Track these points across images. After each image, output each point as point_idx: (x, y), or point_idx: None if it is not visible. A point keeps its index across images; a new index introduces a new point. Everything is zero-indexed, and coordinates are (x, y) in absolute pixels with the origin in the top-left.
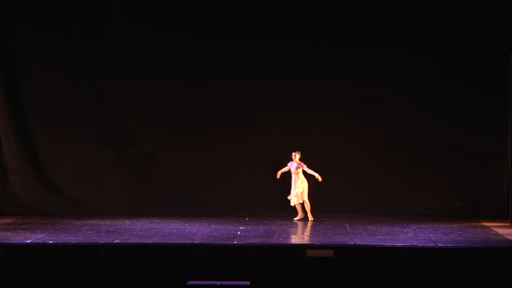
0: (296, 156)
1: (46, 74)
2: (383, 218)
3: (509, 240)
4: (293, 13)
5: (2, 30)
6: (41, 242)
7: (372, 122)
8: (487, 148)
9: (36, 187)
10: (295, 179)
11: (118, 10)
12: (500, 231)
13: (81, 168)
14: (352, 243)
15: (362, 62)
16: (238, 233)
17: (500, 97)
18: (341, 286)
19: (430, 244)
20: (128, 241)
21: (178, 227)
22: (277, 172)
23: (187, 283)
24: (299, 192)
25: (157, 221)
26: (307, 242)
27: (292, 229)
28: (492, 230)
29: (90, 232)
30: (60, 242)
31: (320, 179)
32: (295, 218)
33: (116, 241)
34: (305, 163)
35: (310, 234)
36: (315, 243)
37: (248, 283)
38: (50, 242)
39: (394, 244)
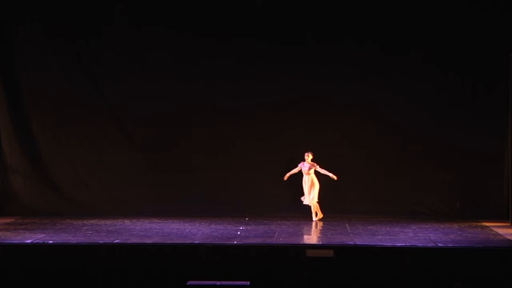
0: (309, 156)
1: (46, 74)
2: (383, 218)
3: (509, 240)
4: (293, 13)
5: (2, 29)
6: (41, 242)
7: (372, 122)
8: (487, 149)
9: (36, 187)
10: (307, 180)
11: (118, 10)
12: (500, 231)
13: (81, 168)
14: (352, 243)
15: (361, 62)
16: (238, 233)
17: (500, 97)
18: (341, 286)
19: (430, 244)
20: (128, 241)
21: (178, 227)
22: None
23: (187, 283)
24: (315, 195)
25: (157, 221)
26: (307, 242)
27: (292, 229)
28: (492, 230)
29: (90, 232)
30: (60, 242)
31: (335, 178)
32: (315, 218)
33: (116, 241)
34: (317, 163)
35: (310, 234)
36: (315, 243)
37: (248, 283)
38: (50, 242)
39: (394, 244)
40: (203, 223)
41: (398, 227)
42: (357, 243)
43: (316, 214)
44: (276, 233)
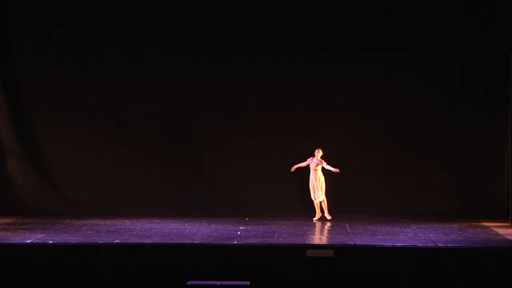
0: (320, 152)
1: (46, 74)
2: (383, 218)
3: (509, 240)
4: (292, 13)
5: (2, 29)
6: (41, 242)
7: (372, 122)
8: (487, 148)
9: (36, 187)
10: (315, 176)
11: (118, 10)
12: (500, 231)
13: (82, 168)
14: (352, 243)
15: (361, 63)
16: (238, 233)
17: (500, 97)
18: (341, 286)
19: (430, 244)
20: (128, 241)
21: (178, 227)
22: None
23: (187, 283)
24: (322, 192)
25: (157, 221)
26: (307, 242)
27: (292, 229)
28: (492, 230)
29: (90, 232)
30: (60, 242)
31: (338, 170)
32: (315, 219)
33: (116, 241)
34: (324, 160)
35: (310, 234)
36: (315, 243)
37: (248, 283)
38: (50, 242)
39: (394, 244)
40: (203, 223)
41: (398, 227)
42: (357, 243)
43: (322, 211)
44: (276, 233)
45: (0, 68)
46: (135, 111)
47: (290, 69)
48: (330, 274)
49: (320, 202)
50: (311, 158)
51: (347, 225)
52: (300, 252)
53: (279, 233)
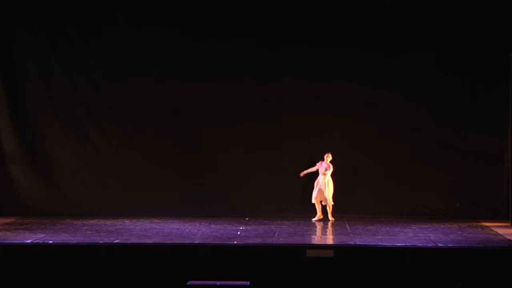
0: (329, 157)
1: (46, 74)
2: (383, 218)
3: (509, 240)
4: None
5: (2, 29)
6: (41, 242)
7: (372, 122)
8: (487, 148)
9: (36, 187)
10: (323, 180)
11: (118, 10)
12: (500, 231)
13: (82, 168)
14: (352, 243)
15: (361, 63)
16: (238, 233)
17: (500, 97)
18: (341, 286)
19: (430, 244)
20: (128, 241)
21: (178, 227)
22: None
23: (187, 283)
24: (331, 193)
25: (157, 221)
26: (307, 242)
27: (292, 229)
28: (492, 230)
29: (90, 232)
30: (60, 242)
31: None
32: (314, 219)
33: (116, 241)
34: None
35: (310, 234)
36: (315, 243)
37: (248, 283)
38: (50, 242)
39: (394, 244)
40: (203, 223)
41: (398, 227)
42: (357, 243)
43: (323, 213)
44: (276, 233)
45: (1, 68)
46: (135, 111)
47: (290, 69)
48: (330, 274)
49: (325, 205)
50: (320, 162)
51: (347, 225)
52: (300, 252)
53: (279, 233)
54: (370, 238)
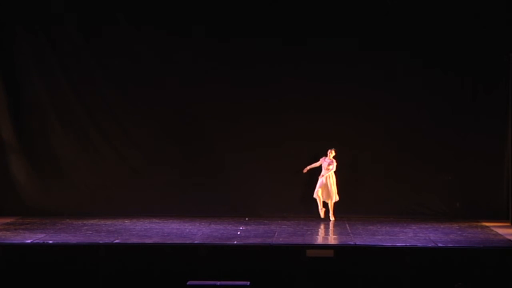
0: (332, 153)
1: (46, 74)
2: (383, 218)
3: (509, 240)
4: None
5: (2, 29)
6: (41, 242)
7: (372, 123)
8: (487, 148)
9: (36, 187)
10: (327, 176)
11: (118, 10)
12: (500, 231)
13: (82, 168)
14: (352, 243)
15: (361, 63)
16: (238, 233)
17: (500, 97)
18: (341, 286)
19: (430, 244)
20: (128, 241)
21: (178, 227)
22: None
23: (187, 283)
24: (334, 189)
25: (157, 221)
26: (307, 242)
27: (292, 229)
28: (492, 230)
29: (90, 232)
30: (60, 242)
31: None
32: (322, 215)
33: (116, 241)
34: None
35: (310, 234)
36: (315, 243)
37: (248, 283)
38: (50, 242)
39: (394, 244)
40: (203, 223)
41: (398, 227)
42: (357, 243)
43: (326, 209)
44: (276, 233)
45: (1, 68)
46: (135, 111)
47: (290, 69)
48: (330, 274)
49: (328, 202)
50: (323, 158)
51: (347, 225)
52: (300, 252)
53: (279, 233)
54: (370, 238)
